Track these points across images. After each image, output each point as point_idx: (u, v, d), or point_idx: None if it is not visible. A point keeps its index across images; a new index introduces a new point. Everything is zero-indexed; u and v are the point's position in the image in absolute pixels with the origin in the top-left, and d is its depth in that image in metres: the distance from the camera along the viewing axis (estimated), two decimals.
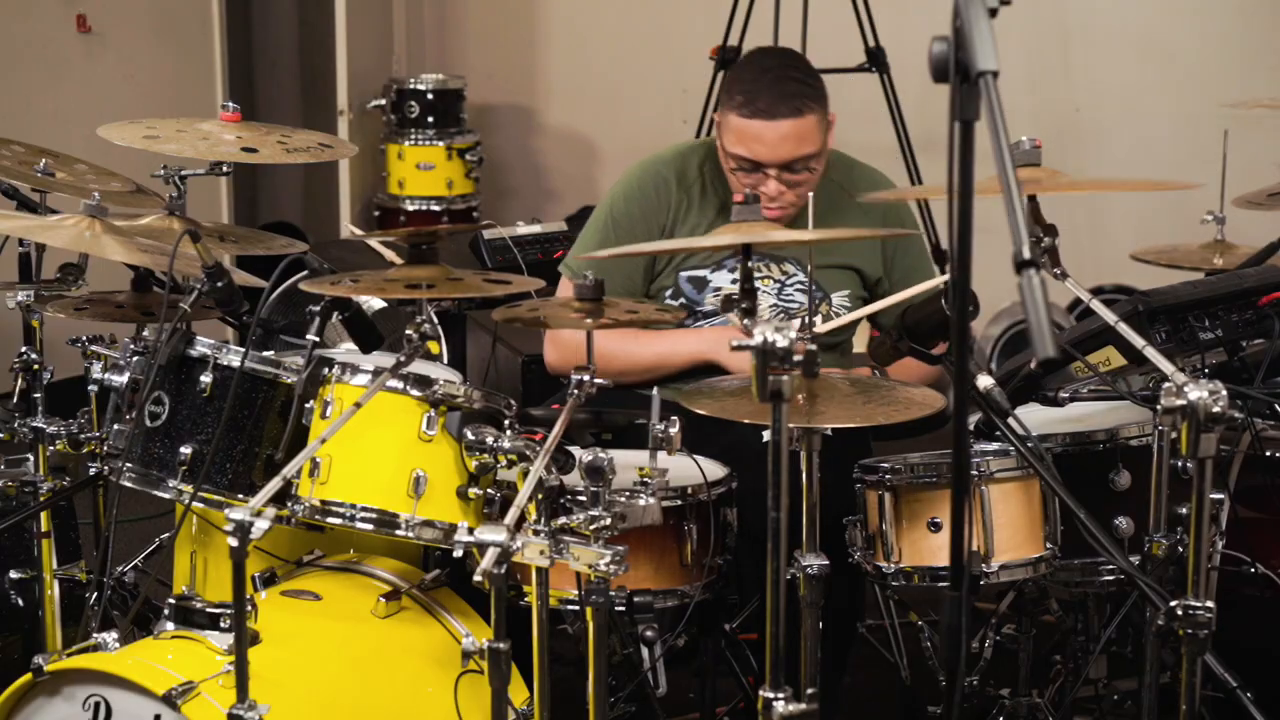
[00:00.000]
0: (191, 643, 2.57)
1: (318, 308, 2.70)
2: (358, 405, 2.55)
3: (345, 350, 2.93)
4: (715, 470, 2.89)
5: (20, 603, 3.27)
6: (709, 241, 2.77)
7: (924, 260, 3.55)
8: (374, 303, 3.05)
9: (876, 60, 5.57)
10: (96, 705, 2.51)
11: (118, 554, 3.19)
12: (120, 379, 2.93)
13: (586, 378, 2.52)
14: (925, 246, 3.53)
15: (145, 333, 3.06)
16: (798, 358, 1.97)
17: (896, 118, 5.59)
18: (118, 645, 2.61)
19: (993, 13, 1.68)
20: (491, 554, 2.29)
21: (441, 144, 6.47)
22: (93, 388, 3.03)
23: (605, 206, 3.46)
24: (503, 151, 7.05)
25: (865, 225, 3.39)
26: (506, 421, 2.67)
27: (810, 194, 2.75)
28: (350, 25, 6.43)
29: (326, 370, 2.69)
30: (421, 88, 6.48)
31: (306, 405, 2.72)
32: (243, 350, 2.74)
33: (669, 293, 3.40)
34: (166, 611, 2.64)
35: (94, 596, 2.98)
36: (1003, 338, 5.63)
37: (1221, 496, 2.83)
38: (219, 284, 2.77)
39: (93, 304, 3.04)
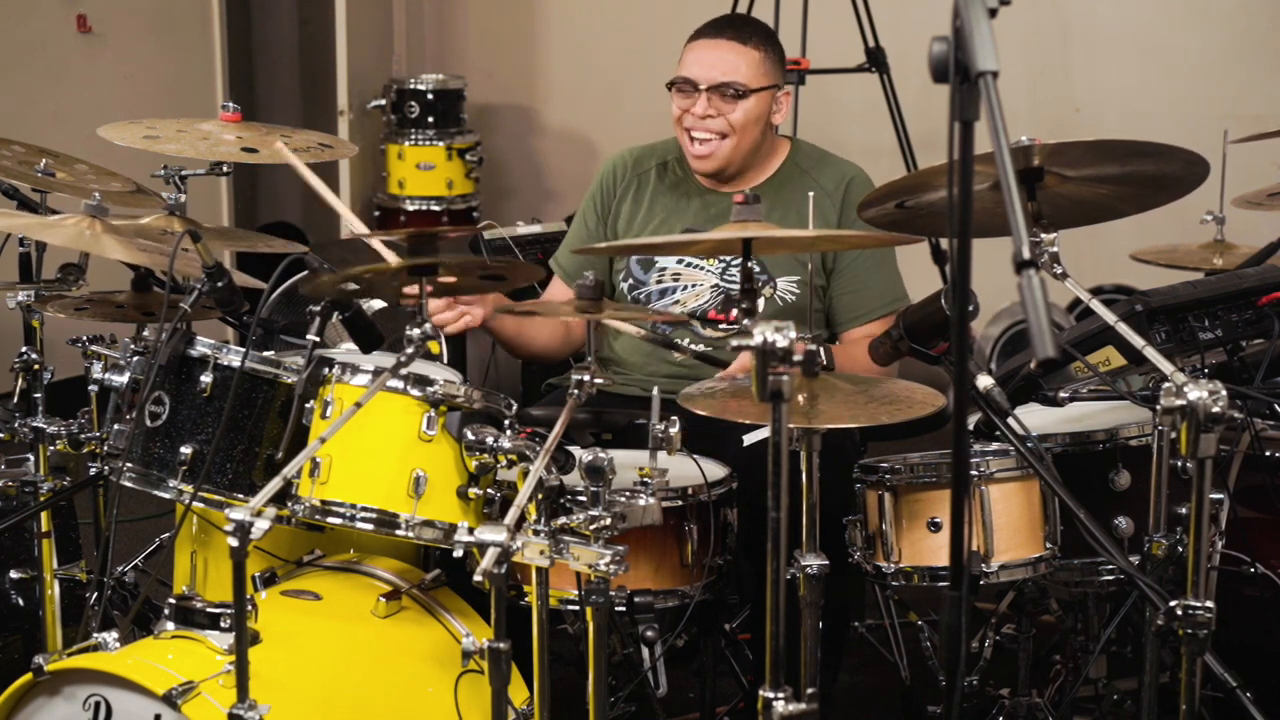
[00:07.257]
0: (191, 643, 2.56)
1: (318, 308, 2.70)
2: (358, 405, 2.54)
3: (345, 350, 2.93)
4: (715, 470, 2.89)
5: (20, 603, 3.27)
6: (704, 238, 2.76)
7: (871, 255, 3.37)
8: (374, 303, 3.05)
9: (876, 60, 5.56)
10: (97, 705, 2.51)
11: (118, 554, 3.19)
12: (120, 379, 2.93)
13: (587, 378, 2.52)
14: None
15: (145, 333, 3.05)
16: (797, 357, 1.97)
17: (896, 118, 5.58)
18: (118, 645, 2.61)
19: (993, 13, 1.68)
20: (491, 554, 2.29)
21: (441, 144, 6.47)
22: (93, 388, 3.03)
23: (583, 199, 3.61)
24: (503, 151, 7.05)
25: (822, 211, 3.33)
26: (506, 421, 2.67)
27: (811, 194, 2.75)
28: (350, 25, 6.43)
29: (326, 370, 2.69)
30: (421, 88, 6.48)
31: (306, 405, 2.72)
32: (243, 350, 2.74)
33: (621, 274, 3.45)
34: (166, 611, 2.63)
35: (94, 596, 2.97)
36: (1003, 338, 5.62)
37: (1221, 496, 2.83)
38: (219, 284, 2.77)
39: (93, 304, 3.04)
